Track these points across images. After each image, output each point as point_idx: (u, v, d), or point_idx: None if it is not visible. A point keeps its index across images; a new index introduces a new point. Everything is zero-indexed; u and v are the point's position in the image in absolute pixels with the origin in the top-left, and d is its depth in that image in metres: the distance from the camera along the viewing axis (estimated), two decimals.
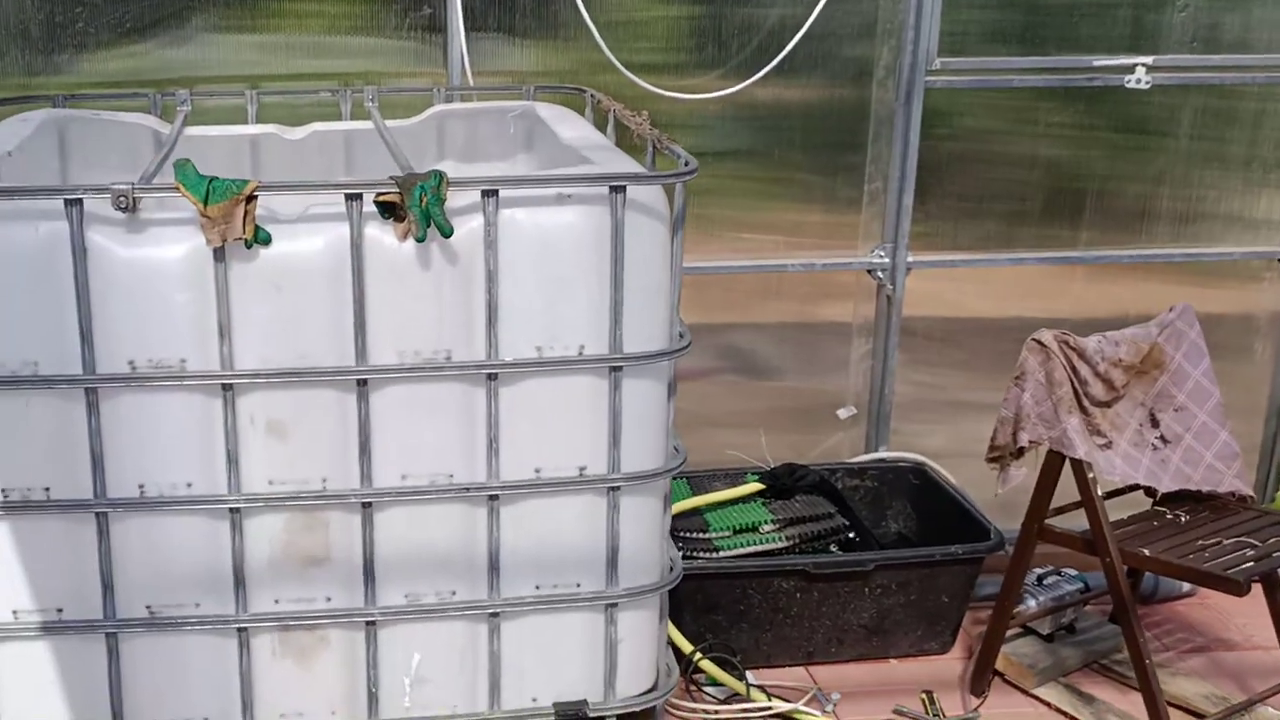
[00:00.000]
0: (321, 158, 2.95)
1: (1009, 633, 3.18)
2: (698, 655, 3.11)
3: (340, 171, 2.94)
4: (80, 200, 2.13)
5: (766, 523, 3.33)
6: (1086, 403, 2.92)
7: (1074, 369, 2.89)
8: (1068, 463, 2.90)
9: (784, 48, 3.30)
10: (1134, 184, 3.64)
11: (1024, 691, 3.20)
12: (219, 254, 2.17)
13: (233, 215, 2.13)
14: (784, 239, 3.54)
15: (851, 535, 3.38)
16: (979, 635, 3.28)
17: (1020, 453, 2.95)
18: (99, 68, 3.13)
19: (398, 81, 3.21)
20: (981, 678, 3.16)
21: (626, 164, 2.44)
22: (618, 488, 2.39)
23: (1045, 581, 3.33)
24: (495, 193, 2.21)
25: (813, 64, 3.41)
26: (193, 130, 2.78)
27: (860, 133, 3.48)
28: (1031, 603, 3.26)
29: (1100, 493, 2.88)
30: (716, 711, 3.06)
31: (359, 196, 2.19)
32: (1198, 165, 3.64)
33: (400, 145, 2.42)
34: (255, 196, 2.14)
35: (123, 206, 2.13)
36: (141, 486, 2.26)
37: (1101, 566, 2.89)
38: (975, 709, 3.13)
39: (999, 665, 3.19)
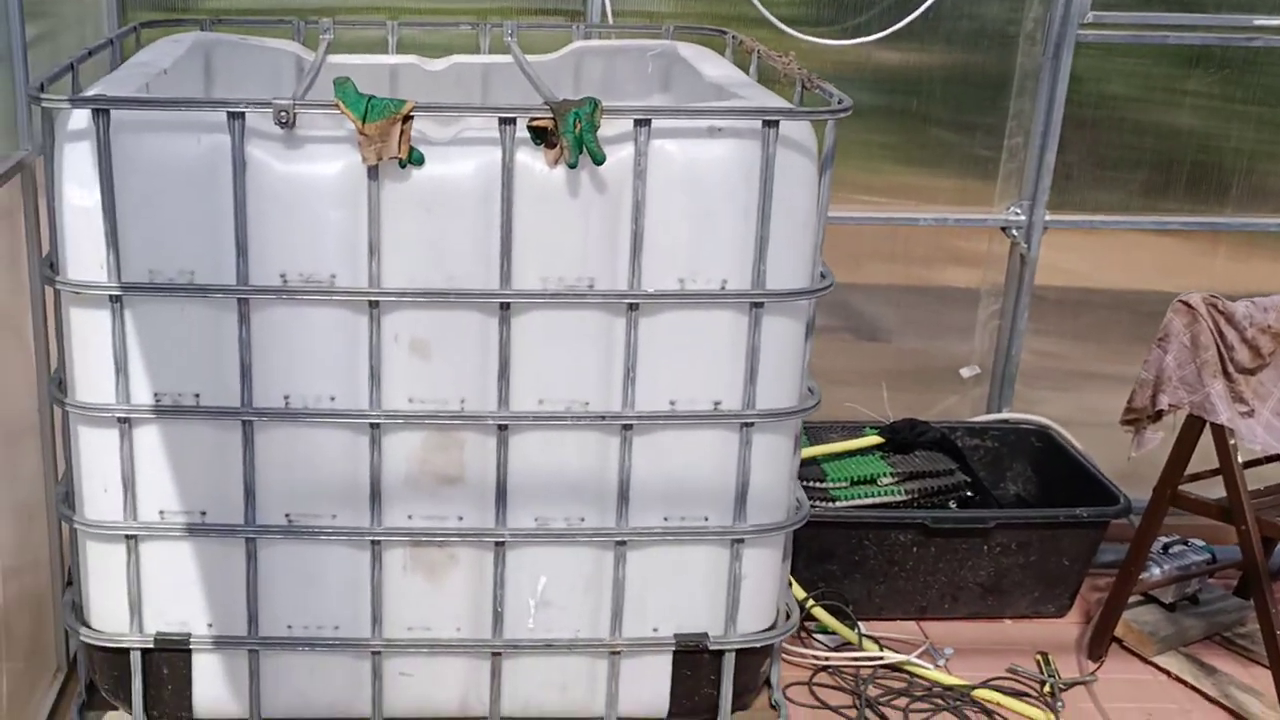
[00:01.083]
0: (459, 90, 2.99)
1: (1130, 600, 3.14)
2: (811, 602, 3.12)
3: (479, 103, 2.96)
4: (243, 114, 2.18)
5: (885, 475, 3.31)
6: (1231, 368, 2.85)
7: (1220, 333, 2.82)
8: (1207, 429, 2.84)
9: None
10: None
11: (1143, 659, 3.16)
12: (373, 172, 2.20)
13: (389, 134, 2.16)
14: (916, 204, 3.50)
15: (971, 494, 3.35)
16: (1097, 602, 3.25)
17: (1158, 416, 2.90)
18: None
19: (537, 19, 3.23)
20: (1100, 642, 3.13)
21: (776, 101, 2.43)
22: (751, 424, 2.39)
23: (1171, 550, 3.27)
24: (648, 122, 2.22)
25: (956, 16, 3.35)
26: (334, 58, 2.83)
27: (1002, 90, 3.42)
28: (1156, 570, 3.21)
29: (1240, 460, 2.81)
30: (828, 658, 3.07)
31: (513, 121, 2.20)
32: None
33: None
34: (412, 117, 2.17)
35: (283, 121, 2.18)
36: (287, 397, 2.32)
37: (1236, 535, 2.84)
38: (1092, 673, 3.10)
39: (1118, 631, 3.15)
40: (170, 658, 2.45)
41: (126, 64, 2.61)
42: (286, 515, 2.39)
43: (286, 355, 2.30)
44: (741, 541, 2.47)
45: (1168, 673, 3.12)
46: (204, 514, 2.39)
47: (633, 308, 2.31)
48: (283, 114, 2.16)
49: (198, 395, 2.32)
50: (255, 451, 2.34)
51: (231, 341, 2.28)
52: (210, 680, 2.48)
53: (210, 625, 2.44)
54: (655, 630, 2.51)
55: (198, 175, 2.21)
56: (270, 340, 2.29)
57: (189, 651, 2.45)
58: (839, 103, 2.32)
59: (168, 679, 2.47)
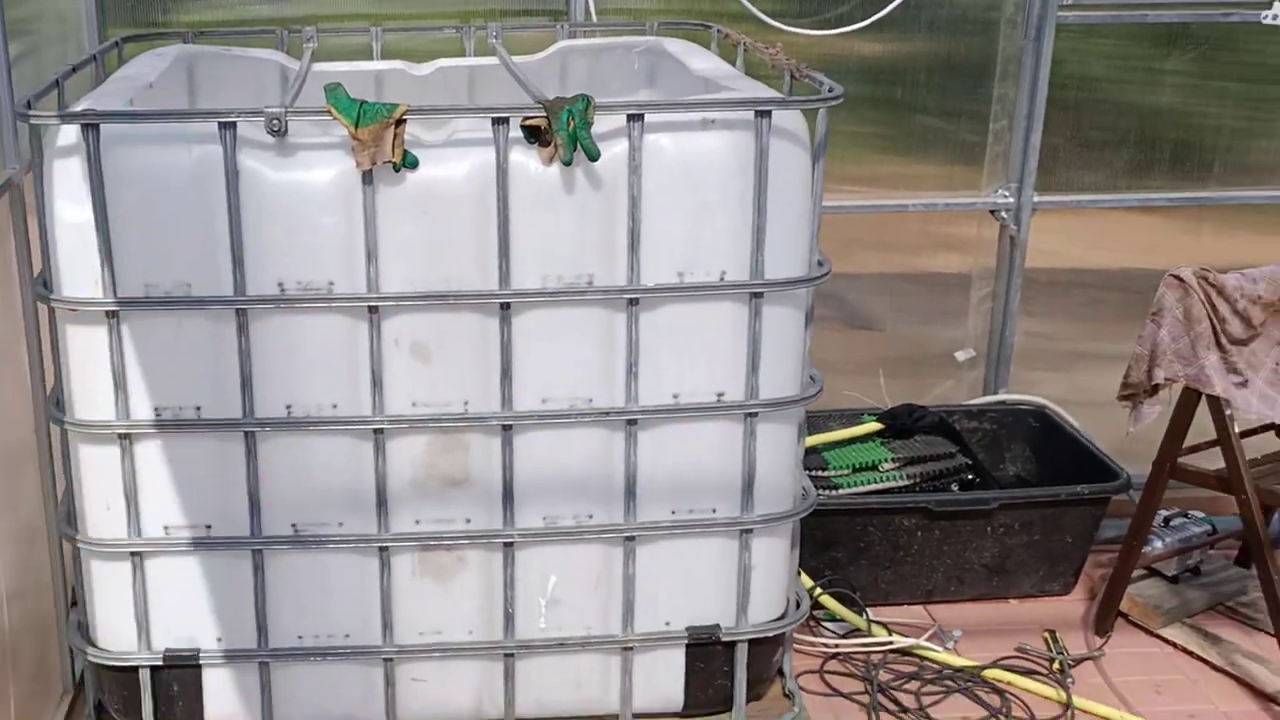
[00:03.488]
0: (446, 93, 2.98)
1: (1133, 574, 3.16)
2: (818, 590, 3.13)
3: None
4: (234, 123, 2.17)
5: (886, 461, 3.32)
6: (1224, 340, 2.87)
7: (1213, 306, 2.85)
8: (1203, 401, 2.86)
9: None
10: (1265, 138, 3.57)
11: (1149, 632, 3.18)
12: (367, 177, 2.20)
13: (382, 138, 2.16)
14: (904, 191, 3.51)
15: (971, 476, 3.36)
16: (1101, 578, 3.27)
17: (1154, 390, 2.92)
18: (227, 9, 3.18)
19: (521, 20, 3.23)
20: (1106, 617, 3.15)
21: (767, 91, 2.43)
22: (755, 414, 2.40)
23: (1172, 523, 3.30)
24: (641, 116, 2.22)
25: (937, 3, 3.38)
26: (319, 66, 2.82)
27: (985, 75, 3.45)
28: (1158, 544, 3.23)
29: (1237, 430, 2.84)
30: (837, 645, 3.08)
31: (506, 120, 2.20)
32: None
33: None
34: (405, 120, 2.17)
35: (275, 129, 2.17)
36: (289, 407, 2.31)
37: (1236, 504, 2.86)
38: (1100, 648, 3.12)
39: (1123, 606, 3.18)
40: (180, 674, 2.44)
41: (111, 79, 2.59)
42: (293, 525, 2.38)
43: (287, 364, 2.30)
44: (750, 532, 2.47)
45: (1174, 644, 3.14)
46: (209, 528, 2.38)
47: (633, 303, 2.31)
48: (274, 122, 2.15)
49: (199, 408, 2.31)
50: (259, 462, 2.33)
51: (231, 353, 2.27)
52: (221, 694, 2.46)
53: (219, 639, 2.43)
54: (667, 624, 2.51)
55: (190, 187, 2.20)
56: (270, 350, 2.28)
57: (199, 667, 2.44)
58: (829, 90, 2.32)
59: (178, 695, 2.46)
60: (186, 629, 2.43)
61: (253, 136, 2.20)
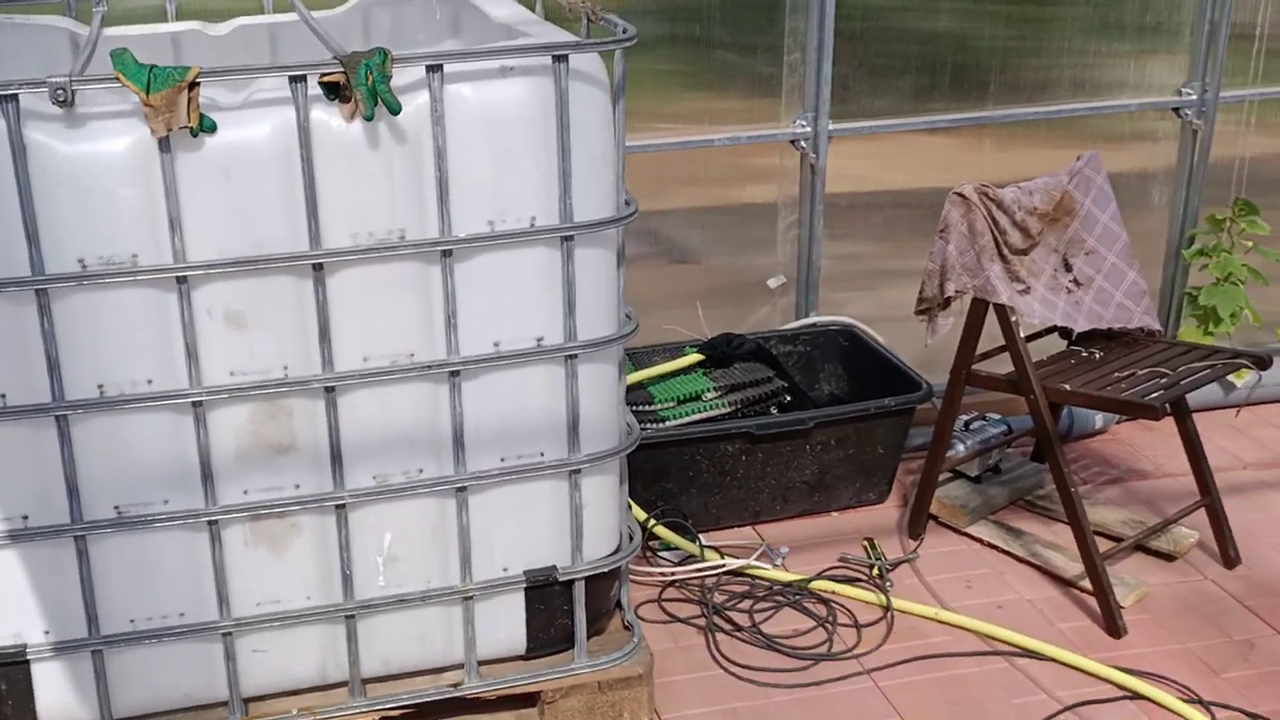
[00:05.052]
0: (246, 53, 2.90)
1: (940, 478, 3.35)
2: (652, 522, 3.22)
3: (268, 64, 2.88)
4: (15, 96, 2.08)
5: (708, 391, 3.42)
6: (1006, 251, 3.04)
7: (994, 219, 3.01)
8: (990, 310, 3.03)
9: None
10: (1035, 56, 3.76)
11: (957, 531, 3.38)
12: (164, 144, 2.14)
13: (176, 103, 2.10)
14: (708, 126, 3.59)
15: (789, 398, 3.49)
16: (912, 484, 3.45)
17: (947, 303, 3.08)
18: None
19: None
20: (918, 521, 3.33)
21: (565, 36, 2.45)
22: (575, 356, 2.44)
23: (972, 426, 3.49)
24: (440, 67, 2.22)
25: None
26: (111, 30, 2.70)
27: (777, 9, 3.53)
28: (960, 447, 3.42)
29: (1022, 335, 3.02)
30: (674, 573, 3.18)
31: (303, 78, 2.17)
32: (1095, 33, 3.77)
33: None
34: (198, 83, 2.11)
35: (61, 100, 2.09)
36: (101, 386, 2.25)
37: (1026, 404, 3.04)
38: (914, 550, 3.30)
39: (933, 509, 3.36)
40: (7, 672, 2.36)
41: None
42: (115, 507, 2.33)
43: (95, 342, 2.23)
44: (579, 472, 2.52)
45: (980, 540, 3.34)
46: (25, 518, 2.30)
47: (446, 254, 2.32)
48: (60, 92, 2.07)
49: (3, 395, 2.22)
50: (74, 446, 2.26)
51: (34, 335, 2.19)
52: (54, 689, 2.40)
53: (47, 632, 2.36)
54: (505, 570, 2.55)
55: None
56: (75, 329, 2.21)
57: (26, 663, 2.36)
58: (624, 32, 2.36)
59: (7, 694, 2.38)
60: (10, 625, 2.35)
61: (39, 109, 2.11)
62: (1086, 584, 3.04)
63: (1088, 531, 2.98)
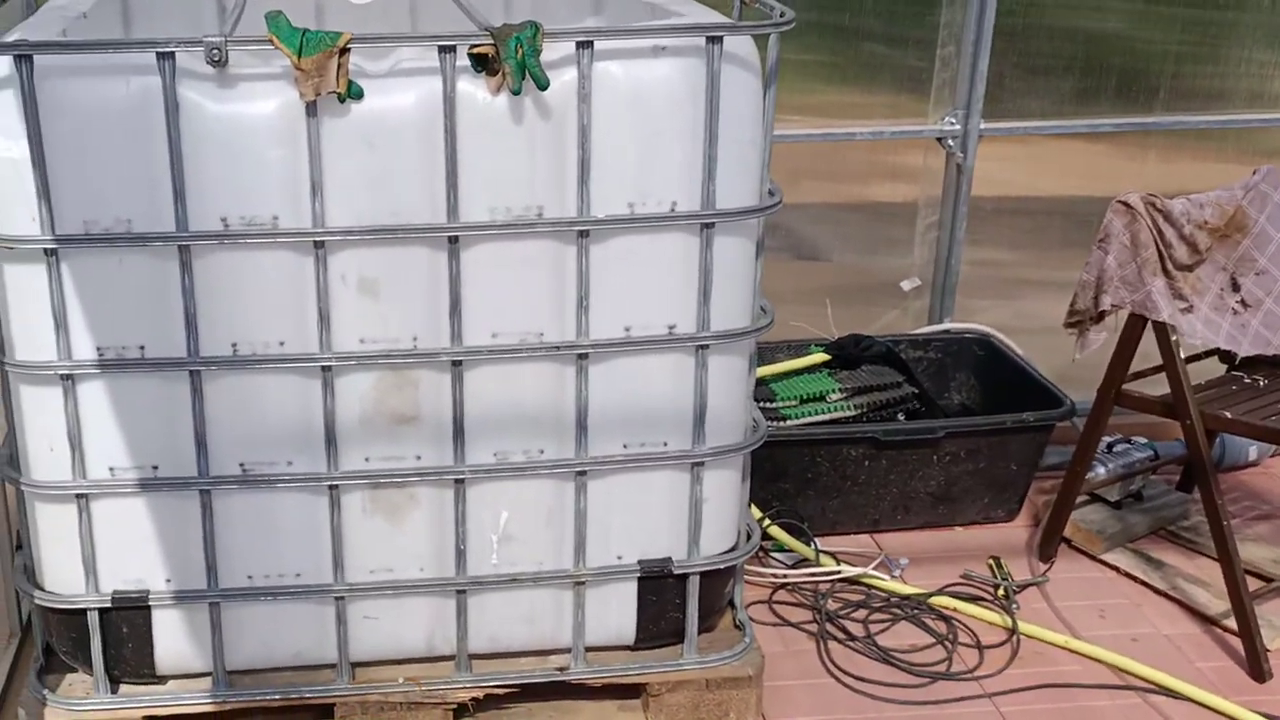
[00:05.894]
0: (386, 22, 2.91)
1: (1077, 500, 3.21)
2: (767, 521, 3.16)
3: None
4: (173, 53, 2.10)
5: (833, 392, 3.35)
6: (1170, 266, 2.90)
7: (1159, 231, 2.87)
8: (1148, 327, 2.89)
9: None
10: (1209, 63, 3.59)
11: (1092, 557, 3.24)
12: (311, 109, 2.15)
13: (326, 68, 2.11)
14: (851, 121, 3.50)
15: (918, 405, 3.39)
16: (1044, 504, 3.32)
17: (1101, 316, 2.95)
18: None
19: None
20: (1050, 543, 3.20)
21: (716, 17, 2.40)
22: (707, 346, 2.39)
23: (1115, 449, 3.36)
24: (590, 44, 2.18)
25: None
26: None
27: (932, 0, 3.42)
28: (1101, 469, 3.29)
29: (1182, 356, 2.88)
30: (786, 576, 3.11)
31: (453, 49, 2.16)
32: (1276, 42, 3.58)
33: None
34: (349, 49, 2.11)
35: (215, 59, 2.11)
36: (235, 345, 2.28)
37: (1180, 429, 2.90)
38: (1044, 573, 3.18)
39: (1067, 532, 3.23)
40: (129, 616, 2.41)
41: (43, 9, 2.51)
42: (240, 465, 2.35)
43: (231, 301, 2.25)
44: (701, 464, 2.47)
45: (1116, 569, 3.20)
46: (155, 468, 2.34)
47: (583, 234, 2.28)
48: (214, 51, 2.09)
49: (142, 347, 2.26)
50: (205, 402, 2.29)
51: (174, 290, 2.22)
52: (171, 636, 2.44)
53: (168, 580, 2.41)
54: (619, 558, 2.52)
55: (129, 120, 2.13)
56: (214, 287, 2.24)
57: (148, 608, 2.41)
58: (781, 15, 2.30)
59: (127, 637, 2.44)
60: (135, 571, 2.40)
61: (192, 67, 2.13)
62: (1231, 623, 2.89)
63: (1238, 567, 2.83)
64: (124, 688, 2.47)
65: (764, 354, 3.47)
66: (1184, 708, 2.73)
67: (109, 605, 2.39)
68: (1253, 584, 2.94)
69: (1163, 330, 2.86)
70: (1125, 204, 2.86)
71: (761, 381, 3.38)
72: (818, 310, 3.62)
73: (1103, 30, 3.53)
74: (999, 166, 3.59)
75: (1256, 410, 2.87)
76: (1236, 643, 2.88)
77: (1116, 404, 3.00)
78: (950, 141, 3.52)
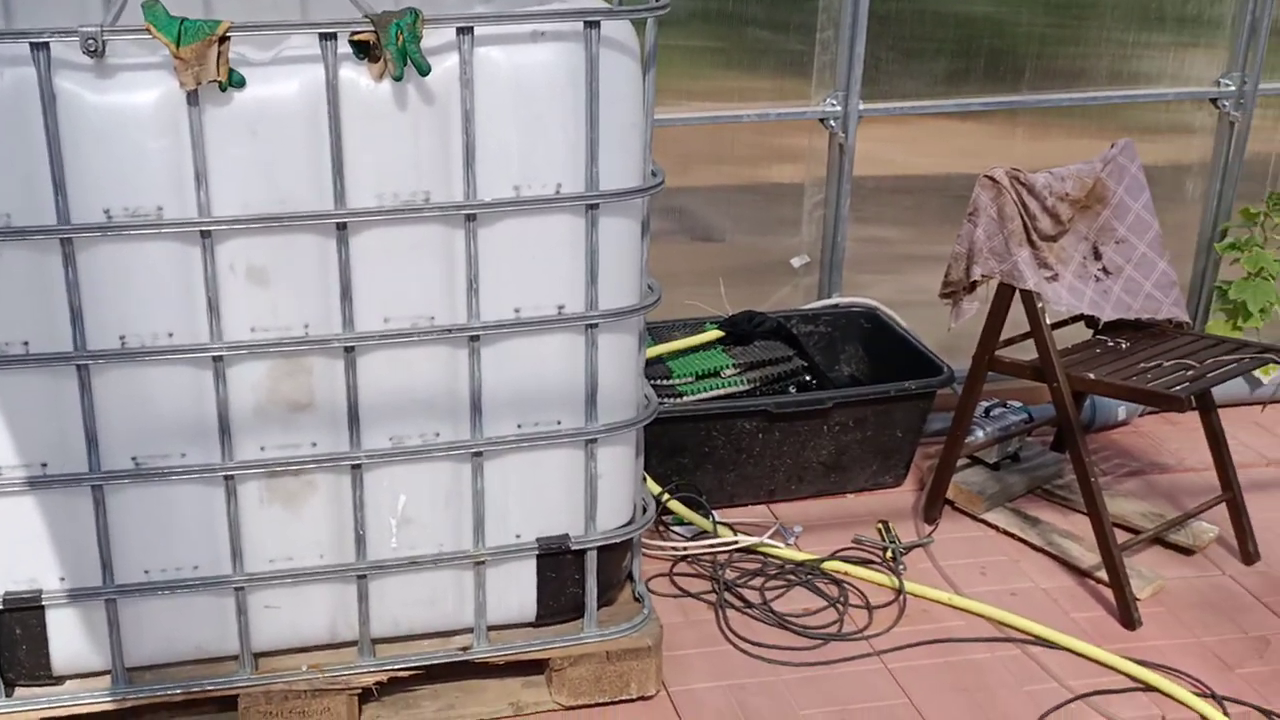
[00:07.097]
0: (275, 9, 2.86)
1: (958, 463, 3.33)
2: (666, 496, 3.22)
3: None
4: (47, 44, 2.09)
5: (727, 367, 3.41)
6: (1035, 236, 3.02)
7: (1024, 204, 2.98)
8: (1016, 296, 3.00)
9: None
10: (1073, 44, 3.72)
11: (973, 517, 3.36)
12: (192, 98, 2.14)
13: (206, 57, 2.10)
14: (737, 104, 3.57)
15: (808, 378, 3.48)
16: (929, 468, 3.43)
17: (973, 287, 3.05)
18: None
19: None
20: (934, 506, 3.32)
21: (595, 2, 2.44)
22: (596, 325, 2.44)
23: (992, 413, 3.47)
24: (470, 30, 2.21)
25: None
26: None
27: None
28: (980, 433, 3.41)
29: (1048, 322, 2.99)
30: (686, 548, 3.18)
31: (334, 36, 2.17)
32: (1134, 23, 3.72)
33: None
34: (228, 37, 2.11)
35: (92, 50, 2.09)
36: (122, 337, 2.26)
37: (1049, 392, 3.02)
38: (929, 534, 3.29)
39: (949, 494, 3.35)
40: (22, 617, 2.39)
41: None
42: (133, 458, 2.34)
43: (118, 293, 2.24)
44: (595, 441, 2.52)
45: (996, 528, 3.33)
46: (45, 465, 2.32)
47: (470, 218, 2.31)
48: (90, 41, 2.08)
49: (26, 343, 2.24)
50: (94, 395, 2.28)
51: (58, 284, 2.20)
52: (68, 635, 2.42)
53: (62, 579, 2.38)
54: (518, 537, 2.56)
55: (4, 112, 2.11)
56: (99, 279, 2.22)
57: (41, 608, 2.39)
58: (656, 1, 2.35)
59: (21, 639, 2.41)
60: (26, 570, 2.37)
61: (69, 58, 2.12)
62: (1103, 575, 3.02)
63: (1106, 522, 2.96)
64: (19, 690, 2.45)
65: (659, 332, 3.53)
66: (1060, 656, 2.86)
67: (0, 607, 2.36)
68: (1123, 537, 3.08)
69: (1030, 298, 2.98)
70: (991, 179, 2.97)
71: (658, 359, 3.44)
72: (712, 289, 3.69)
73: (972, 13, 3.65)
74: (880, 146, 3.69)
75: (1119, 371, 3.00)
76: (1109, 593, 3.01)
77: (990, 370, 3.11)
78: (832, 122, 3.61)
